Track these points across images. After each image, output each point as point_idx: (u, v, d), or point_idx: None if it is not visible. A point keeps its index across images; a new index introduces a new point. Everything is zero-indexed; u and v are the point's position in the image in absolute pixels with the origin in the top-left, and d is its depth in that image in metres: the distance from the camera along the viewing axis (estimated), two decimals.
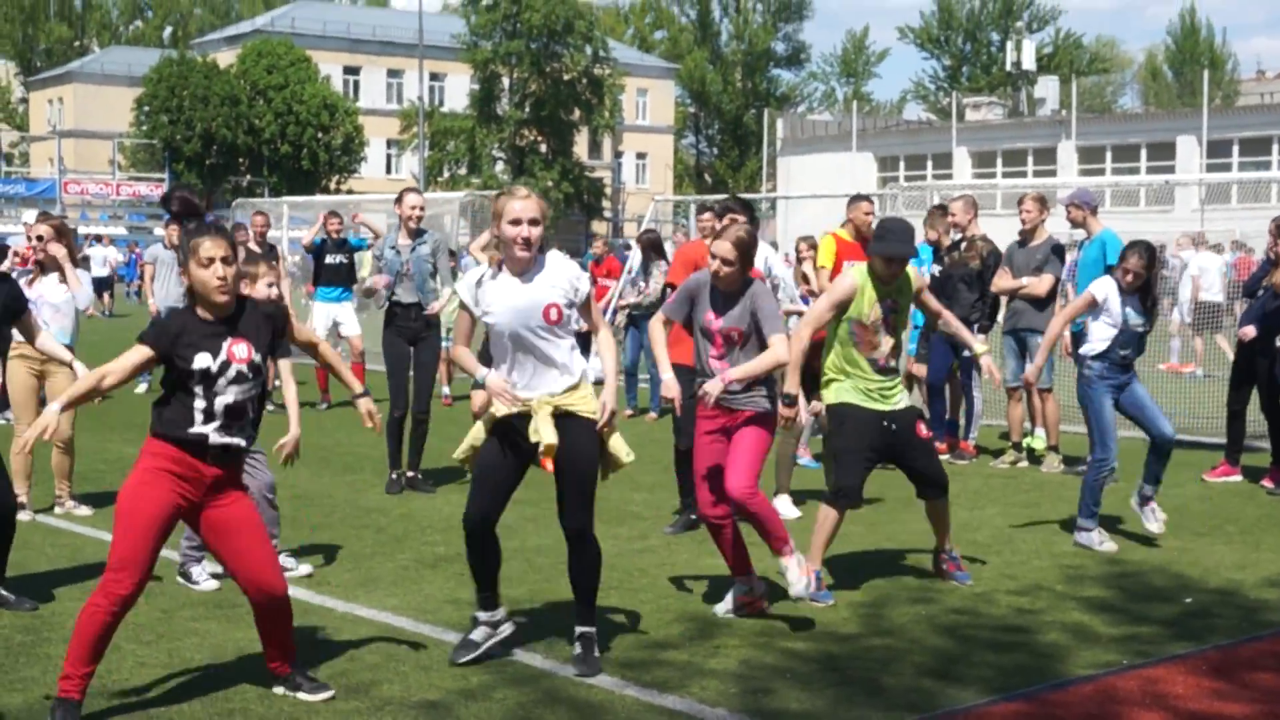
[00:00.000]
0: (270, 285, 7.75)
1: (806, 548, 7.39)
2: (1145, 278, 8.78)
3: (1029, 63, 68.59)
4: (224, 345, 5.51)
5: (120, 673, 5.96)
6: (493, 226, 6.18)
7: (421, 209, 10.92)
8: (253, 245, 15.95)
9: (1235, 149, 51.75)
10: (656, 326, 7.22)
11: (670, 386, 6.91)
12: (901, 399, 7.66)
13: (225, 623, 6.81)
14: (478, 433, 6.28)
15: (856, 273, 7.60)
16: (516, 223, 6.02)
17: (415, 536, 8.95)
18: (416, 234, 10.82)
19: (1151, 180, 31.21)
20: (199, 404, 5.48)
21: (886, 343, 7.54)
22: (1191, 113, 55.48)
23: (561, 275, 6.17)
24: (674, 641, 6.63)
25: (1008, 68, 71.73)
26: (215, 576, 7.49)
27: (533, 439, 6.07)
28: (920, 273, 7.82)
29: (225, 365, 5.49)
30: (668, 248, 16.65)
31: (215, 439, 5.49)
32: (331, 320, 16.02)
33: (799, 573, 6.92)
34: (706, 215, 14.29)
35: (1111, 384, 8.76)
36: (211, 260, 5.48)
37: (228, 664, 6.16)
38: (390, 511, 9.81)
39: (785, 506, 9.67)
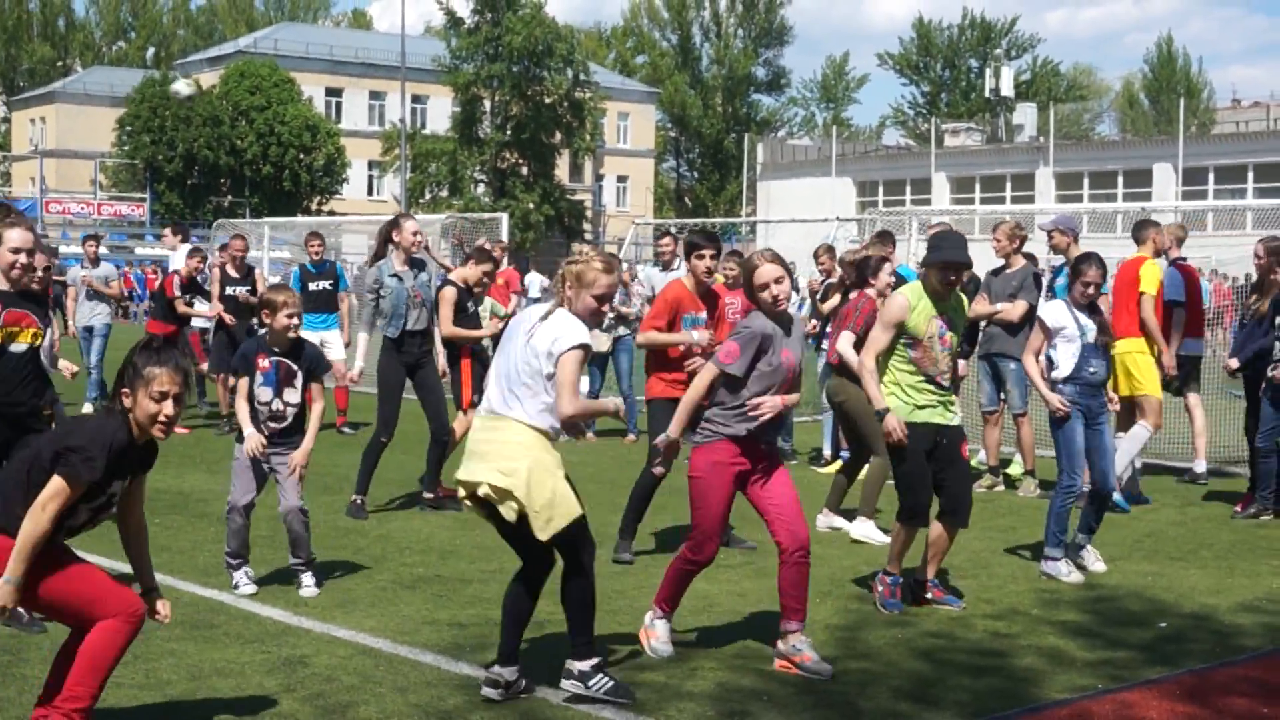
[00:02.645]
0: (290, 316, 7.81)
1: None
2: (1100, 290, 8.85)
3: (1007, 89, 69.07)
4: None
5: None
6: (579, 292, 5.98)
7: (421, 234, 10.95)
8: (230, 270, 15.97)
9: (1211, 176, 52.11)
10: (698, 391, 6.71)
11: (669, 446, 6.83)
12: (957, 416, 7.78)
13: (202, 643, 6.80)
14: (566, 483, 6.00)
15: (908, 290, 7.78)
16: (602, 299, 6.02)
17: (393, 558, 8.95)
18: (415, 262, 10.82)
19: (1128, 207, 31.26)
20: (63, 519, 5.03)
21: (944, 360, 7.63)
22: (1168, 140, 55.88)
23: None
24: (651, 663, 6.64)
25: (986, 94, 72.15)
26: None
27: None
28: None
29: (113, 496, 5.20)
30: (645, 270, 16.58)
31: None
32: (319, 344, 16.04)
33: (818, 656, 6.65)
34: (665, 240, 14.29)
35: (1082, 409, 8.73)
36: (165, 396, 5.06)
37: (205, 685, 6.15)
38: (368, 533, 9.80)
39: (871, 530, 9.83)
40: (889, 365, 7.68)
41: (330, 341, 16.10)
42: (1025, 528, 10.38)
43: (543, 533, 5.85)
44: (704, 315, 9.10)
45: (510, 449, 5.87)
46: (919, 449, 7.65)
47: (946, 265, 7.59)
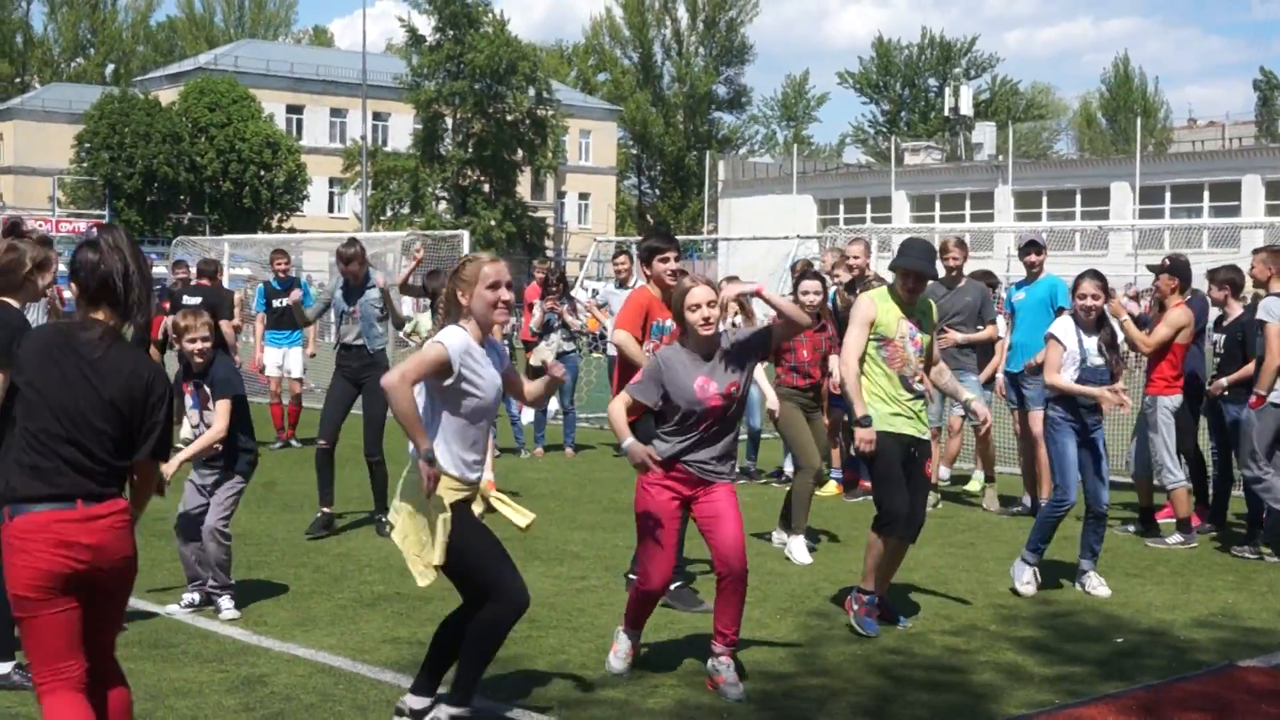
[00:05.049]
0: (193, 341, 7.80)
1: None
2: (1101, 309, 8.80)
3: (966, 108, 69.44)
4: None
5: None
6: (472, 291, 5.72)
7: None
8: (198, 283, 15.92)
9: (1167, 195, 52.60)
10: (619, 409, 6.63)
11: (637, 449, 6.42)
12: (926, 431, 7.79)
13: (160, 662, 6.77)
14: (443, 527, 5.63)
15: (874, 293, 7.93)
16: (497, 285, 5.80)
17: (353, 575, 8.92)
18: (364, 278, 10.94)
19: (1086, 225, 31.60)
20: None
21: (916, 361, 7.71)
22: (1125, 159, 56.36)
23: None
24: (612, 681, 6.64)
25: (946, 113, 72.55)
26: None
27: (521, 523, 5.89)
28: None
29: None
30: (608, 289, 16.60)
31: None
32: (282, 360, 16.23)
33: (734, 679, 6.53)
34: (622, 259, 14.20)
35: (1075, 426, 8.70)
36: None
37: (163, 704, 6.12)
38: (328, 550, 9.77)
39: (799, 549, 9.69)
40: (866, 372, 7.73)
41: (292, 360, 16.23)
42: (983, 544, 10.44)
43: (420, 579, 5.71)
44: (671, 322, 8.47)
45: (402, 489, 5.77)
46: (895, 457, 7.68)
47: (906, 272, 7.70)
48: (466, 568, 5.67)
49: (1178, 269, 10.76)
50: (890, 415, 7.70)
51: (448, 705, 5.76)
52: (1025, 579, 8.77)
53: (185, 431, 7.99)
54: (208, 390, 7.89)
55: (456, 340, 5.67)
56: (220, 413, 7.86)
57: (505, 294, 5.77)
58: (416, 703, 5.84)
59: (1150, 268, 10.98)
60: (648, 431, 6.68)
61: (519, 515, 5.92)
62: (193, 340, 7.83)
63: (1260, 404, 10.06)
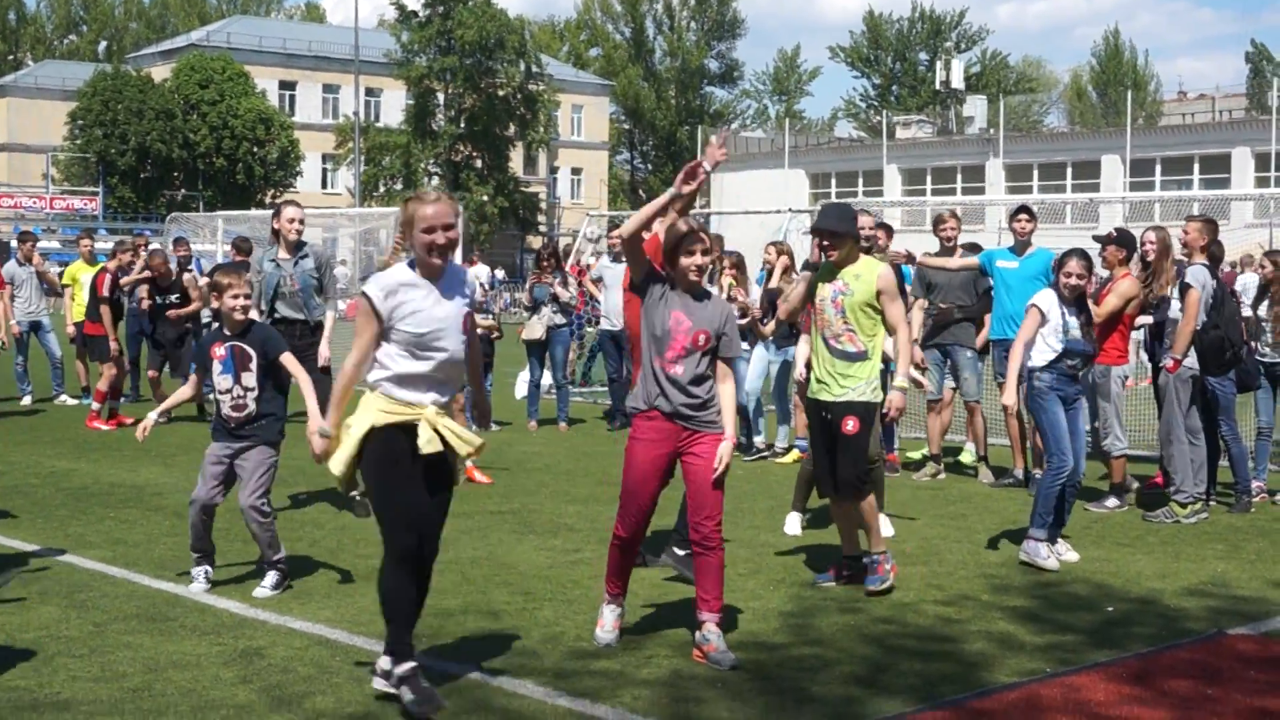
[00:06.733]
0: (235, 297, 7.68)
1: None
2: (1083, 286, 8.86)
3: (957, 82, 69.39)
4: None
5: (52, 685, 5.95)
6: (409, 234, 5.77)
7: (301, 222, 10.64)
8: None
9: (1158, 168, 52.63)
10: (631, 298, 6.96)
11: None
12: (854, 392, 7.79)
13: (158, 635, 6.80)
14: (351, 443, 5.81)
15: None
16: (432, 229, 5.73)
17: (349, 549, 8.96)
18: (297, 248, 10.61)
19: (1077, 198, 31.60)
20: None
21: (838, 323, 7.80)
22: (1116, 132, 56.35)
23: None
24: (605, 652, 6.67)
25: (936, 87, 72.49)
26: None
27: (463, 450, 5.96)
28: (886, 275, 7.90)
29: None
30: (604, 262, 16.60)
31: None
32: None
33: (724, 646, 6.53)
34: (617, 232, 14.15)
35: (1060, 394, 8.74)
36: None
37: (161, 676, 6.15)
38: (324, 524, 9.80)
39: (791, 522, 9.78)
40: None
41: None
42: (975, 515, 10.50)
43: (339, 485, 6.01)
44: None
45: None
46: (814, 423, 8.09)
47: (814, 232, 8.03)
48: (374, 502, 5.85)
49: (1124, 240, 10.91)
50: (815, 382, 7.97)
51: (386, 657, 5.89)
52: (1044, 555, 8.64)
53: (218, 398, 7.85)
54: (250, 351, 7.70)
55: (379, 284, 5.77)
56: (290, 364, 7.78)
57: (439, 237, 5.72)
58: (386, 663, 5.92)
59: (1096, 238, 11.02)
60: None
61: (462, 443, 5.92)
62: (235, 296, 7.66)
63: (1176, 368, 10.36)
